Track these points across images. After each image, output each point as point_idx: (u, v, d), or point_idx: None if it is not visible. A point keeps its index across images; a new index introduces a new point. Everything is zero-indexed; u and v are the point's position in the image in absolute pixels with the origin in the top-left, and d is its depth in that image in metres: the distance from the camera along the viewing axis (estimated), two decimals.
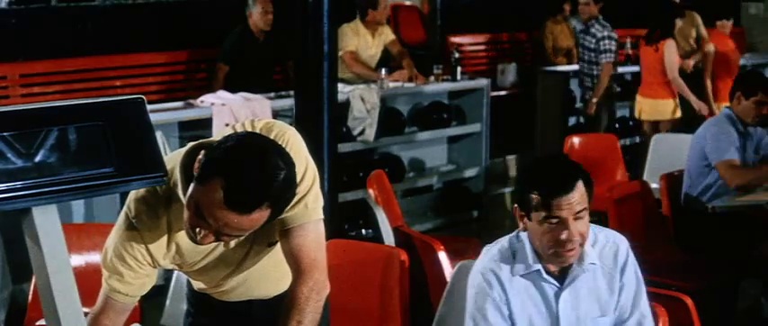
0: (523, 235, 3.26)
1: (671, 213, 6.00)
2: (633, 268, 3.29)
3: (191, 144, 2.72)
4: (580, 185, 3.11)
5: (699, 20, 10.15)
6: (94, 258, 4.30)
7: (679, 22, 9.66)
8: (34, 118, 2.45)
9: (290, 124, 2.87)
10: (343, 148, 7.06)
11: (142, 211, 2.76)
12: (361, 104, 7.43)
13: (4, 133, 2.38)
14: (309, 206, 2.80)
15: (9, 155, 2.38)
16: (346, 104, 7.37)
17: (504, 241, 3.33)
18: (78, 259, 4.25)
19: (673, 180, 6.08)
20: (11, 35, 7.60)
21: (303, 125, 4.72)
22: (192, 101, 6.95)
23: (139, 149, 2.49)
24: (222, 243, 2.85)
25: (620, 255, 3.28)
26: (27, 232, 2.49)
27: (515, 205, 3.24)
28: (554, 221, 3.09)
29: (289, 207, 2.75)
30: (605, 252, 3.27)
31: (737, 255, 5.69)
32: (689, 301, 3.72)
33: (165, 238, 2.80)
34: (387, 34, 8.57)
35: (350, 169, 7.41)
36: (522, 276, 3.25)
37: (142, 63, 8.21)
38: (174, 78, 8.38)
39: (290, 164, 2.57)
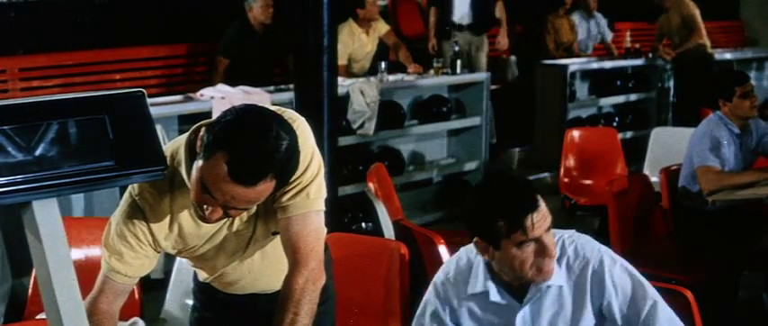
0: (482, 259, 3.05)
1: (670, 207, 6.00)
2: (619, 274, 3.00)
3: (196, 125, 2.73)
4: (541, 199, 2.90)
5: (688, 10, 10.08)
6: (95, 251, 4.29)
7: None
8: (34, 111, 2.44)
9: None
10: (343, 141, 7.06)
11: (145, 189, 2.77)
12: (361, 97, 7.43)
13: (4, 127, 2.37)
14: (311, 196, 2.80)
15: (9, 148, 2.38)
16: (346, 97, 7.37)
17: (463, 255, 3.14)
18: (79, 253, 4.24)
19: (672, 174, 6.08)
20: (10, 29, 7.59)
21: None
22: (191, 94, 6.94)
23: (140, 142, 2.48)
24: (224, 227, 2.87)
25: (590, 274, 2.99)
26: (27, 226, 2.48)
27: (476, 239, 2.97)
28: (530, 242, 2.87)
29: (290, 196, 2.76)
30: (574, 268, 3.00)
31: (738, 249, 5.69)
32: (689, 294, 3.71)
33: (167, 218, 2.81)
34: (380, 27, 8.61)
35: (350, 163, 7.41)
36: (477, 294, 3.06)
37: (141, 56, 8.21)
38: (173, 72, 8.38)
39: (291, 133, 2.58)
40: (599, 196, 6.75)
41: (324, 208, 2.86)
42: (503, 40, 9.27)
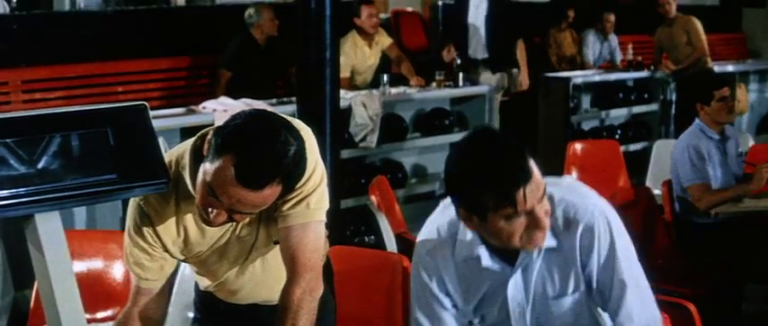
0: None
1: (673, 219, 5.99)
2: (605, 244, 2.77)
3: (203, 130, 2.74)
4: (533, 164, 2.58)
5: (694, 27, 10.11)
6: (97, 264, 4.29)
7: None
8: (37, 124, 2.45)
9: None
10: (346, 154, 7.06)
11: (150, 194, 2.77)
12: (364, 110, 7.43)
13: (7, 140, 2.38)
14: (312, 206, 2.80)
15: (12, 161, 2.38)
16: (348, 110, 7.37)
17: (442, 220, 2.87)
18: (80, 266, 4.24)
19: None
20: (13, 41, 7.60)
21: None
22: (193, 107, 6.94)
23: (142, 155, 2.49)
24: (228, 232, 2.87)
25: (580, 235, 2.75)
26: (29, 239, 2.49)
27: (461, 209, 2.68)
28: (521, 215, 2.58)
29: (291, 205, 2.76)
30: (561, 230, 2.76)
31: (741, 262, 5.68)
32: (692, 307, 3.71)
33: (173, 222, 2.81)
34: (383, 40, 8.62)
35: (352, 175, 7.40)
36: (464, 260, 2.83)
37: (144, 69, 8.21)
38: (175, 84, 8.38)
39: (299, 139, 2.58)
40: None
41: (325, 219, 2.85)
42: (524, 81, 9.11)
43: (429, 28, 10.46)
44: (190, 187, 2.69)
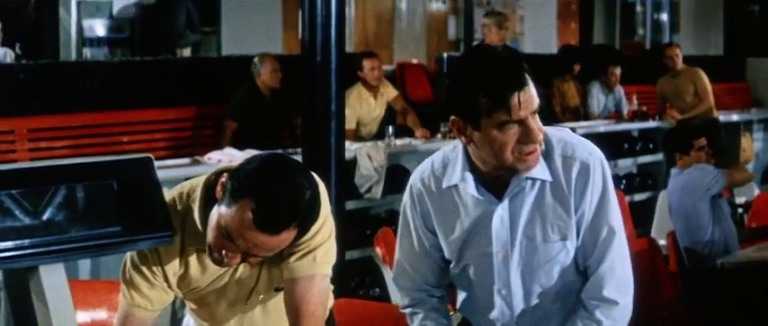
0: (459, 145, 2.77)
1: (679, 271, 5.97)
2: (599, 186, 2.74)
3: (218, 169, 2.74)
4: (530, 79, 2.61)
5: (700, 78, 10.15)
6: (101, 315, 4.27)
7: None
8: (42, 176, 2.46)
9: None
10: (351, 205, 7.05)
11: None
12: (369, 161, 7.43)
13: (12, 191, 2.38)
14: (318, 259, 2.79)
15: (17, 212, 2.39)
16: (353, 161, 7.37)
17: (438, 154, 2.87)
18: (84, 316, 4.22)
19: None
20: (19, 89, 7.63)
21: None
22: (198, 158, 6.95)
23: (146, 207, 2.49)
24: (228, 273, 2.85)
25: (576, 172, 2.72)
26: (33, 290, 2.48)
27: (453, 117, 2.65)
28: (513, 124, 2.56)
29: (297, 257, 2.76)
30: (557, 166, 2.73)
31: (750, 313, 5.65)
32: None
33: (178, 254, 2.80)
34: (389, 92, 8.66)
35: (357, 227, 7.39)
36: (452, 188, 2.78)
37: (150, 119, 8.23)
38: (181, 135, 8.40)
39: (313, 184, 2.60)
40: None
41: (330, 274, 2.84)
42: None
43: (434, 80, 10.50)
44: (198, 224, 2.68)
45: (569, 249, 2.78)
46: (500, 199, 2.74)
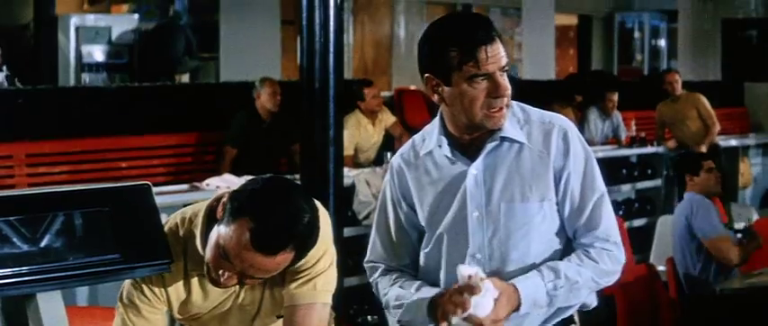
0: (436, 119, 2.86)
1: (678, 297, 5.96)
2: (581, 151, 2.82)
3: (215, 196, 2.75)
4: (498, 38, 2.72)
5: (702, 103, 10.18)
6: None
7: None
8: (40, 203, 2.46)
9: None
10: (349, 232, 7.04)
11: None
12: (367, 188, 7.43)
13: (10, 218, 2.38)
14: (318, 287, 2.80)
15: (14, 239, 2.38)
16: (352, 187, 7.37)
17: (417, 136, 2.96)
18: None
19: None
20: (18, 115, 7.64)
21: None
22: (197, 184, 6.94)
23: (145, 235, 2.49)
24: (230, 299, 2.84)
25: (556, 136, 2.80)
26: (31, 317, 2.48)
27: (427, 75, 2.76)
28: (481, 77, 2.67)
29: (298, 284, 2.77)
30: (535, 132, 2.81)
31: None
32: None
33: (181, 278, 2.79)
34: (387, 119, 8.70)
35: (355, 254, 7.35)
36: (426, 154, 2.86)
37: (148, 145, 8.23)
38: (180, 160, 8.40)
39: (313, 209, 2.62)
40: (606, 287, 6.70)
41: (330, 302, 2.84)
42: None
43: (432, 106, 10.51)
44: (200, 249, 2.69)
45: (546, 212, 2.79)
46: (472, 161, 2.80)
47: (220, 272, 2.61)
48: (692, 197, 6.03)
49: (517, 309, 2.71)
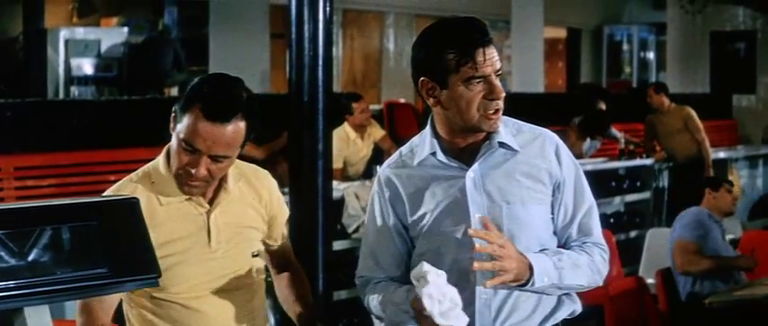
0: (424, 130, 2.89)
1: (668, 310, 5.97)
2: (571, 163, 2.90)
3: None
4: (492, 41, 2.77)
5: (690, 115, 10.21)
6: None
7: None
8: (27, 216, 2.44)
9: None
10: (338, 245, 7.04)
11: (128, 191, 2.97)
12: (356, 201, 7.43)
13: None
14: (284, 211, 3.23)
15: (1, 253, 2.37)
16: (341, 201, 7.36)
17: (405, 144, 2.98)
18: None
19: (668, 275, 6.06)
20: (6, 127, 7.62)
21: (298, 223, 4.71)
22: None
23: (133, 249, 2.47)
24: (206, 226, 2.93)
25: (549, 146, 2.86)
26: None
27: (422, 78, 2.78)
28: (478, 79, 2.71)
29: (279, 232, 3.14)
30: (528, 141, 2.86)
31: None
32: None
33: (151, 213, 2.86)
34: (375, 132, 8.69)
35: (345, 267, 7.36)
36: (419, 164, 2.87)
37: (137, 158, 8.18)
38: None
39: (251, 93, 2.88)
40: (595, 298, 6.70)
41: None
42: None
43: (422, 119, 10.52)
44: (162, 169, 2.95)
45: (543, 216, 2.85)
46: (468, 166, 2.83)
47: (189, 168, 2.82)
48: (700, 214, 6.09)
49: (527, 282, 2.75)
